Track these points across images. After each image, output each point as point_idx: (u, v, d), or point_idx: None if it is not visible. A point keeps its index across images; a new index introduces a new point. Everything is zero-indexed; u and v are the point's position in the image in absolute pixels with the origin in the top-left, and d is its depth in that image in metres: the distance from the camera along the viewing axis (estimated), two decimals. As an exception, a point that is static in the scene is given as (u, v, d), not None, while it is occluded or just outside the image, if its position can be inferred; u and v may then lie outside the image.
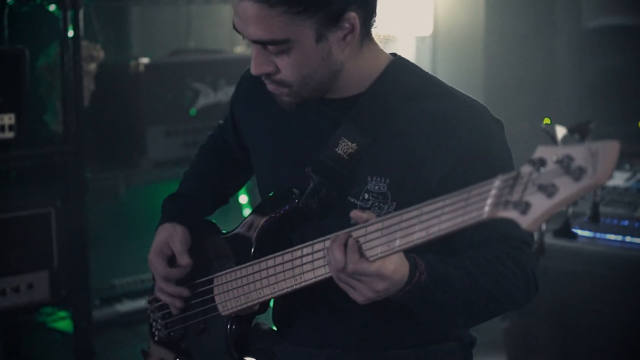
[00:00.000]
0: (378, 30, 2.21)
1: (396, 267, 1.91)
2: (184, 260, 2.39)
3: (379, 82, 2.18)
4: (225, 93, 4.00)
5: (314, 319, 2.27)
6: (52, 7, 3.67)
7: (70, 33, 3.63)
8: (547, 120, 4.53)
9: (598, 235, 3.70)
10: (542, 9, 4.78)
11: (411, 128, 2.12)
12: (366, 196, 2.12)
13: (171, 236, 2.43)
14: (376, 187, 2.12)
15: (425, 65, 5.04)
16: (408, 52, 5.01)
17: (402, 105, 2.15)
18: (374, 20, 2.16)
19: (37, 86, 3.80)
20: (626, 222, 3.71)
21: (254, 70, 2.10)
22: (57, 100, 3.76)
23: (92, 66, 3.86)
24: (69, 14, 3.61)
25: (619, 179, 3.96)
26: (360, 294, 1.93)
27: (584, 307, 3.72)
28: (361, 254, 1.91)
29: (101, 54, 3.90)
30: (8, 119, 3.43)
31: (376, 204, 2.10)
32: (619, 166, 3.93)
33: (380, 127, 2.14)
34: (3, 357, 3.81)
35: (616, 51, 4.45)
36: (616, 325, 3.66)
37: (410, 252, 1.96)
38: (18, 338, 3.81)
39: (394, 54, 2.25)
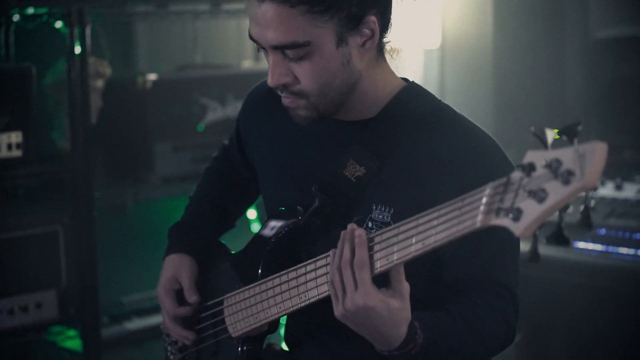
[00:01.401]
0: (389, 42, 2.19)
1: (395, 317, 1.88)
2: (192, 297, 2.40)
3: (390, 106, 2.16)
4: (233, 108, 3.99)
5: (325, 340, 2.25)
6: (58, 24, 3.66)
7: (77, 50, 3.61)
8: (556, 131, 4.50)
9: (610, 248, 3.67)
10: (550, 20, 4.76)
11: (419, 159, 2.10)
12: (370, 224, 2.10)
13: (179, 271, 2.43)
14: (380, 217, 2.10)
15: (433, 79, 5.06)
16: (416, 65, 4.99)
17: (412, 134, 2.13)
18: (388, 33, 2.14)
19: (44, 103, 3.78)
20: (638, 235, 3.69)
21: (272, 82, 2.07)
22: (64, 117, 3.74)
23: (100, 83, 3.85)
24: (76, 30, 3.60)
25: (630, 191, 3.93)
26: (347, 301, 1.88)
27: (597, 322, 3.70)
28: (370, 255, 1.88)
29: (108, 71, 3.89)
30: (15, 137, 3.42)
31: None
32: (629, 178, 3.94)
33: (389, 153, 2.12)
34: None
35: (625, 62, 4.43)
36: (630, 340, 3.63)
37: (415, 305, 1.94)
38: (27, 357, 3.79)
39: (406, 79, 2.23)
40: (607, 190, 3.96)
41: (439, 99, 2.23)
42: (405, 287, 1.89)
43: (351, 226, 1.92)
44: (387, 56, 2.19)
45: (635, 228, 3.72)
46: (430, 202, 2.01)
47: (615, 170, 4.13)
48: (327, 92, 2.08)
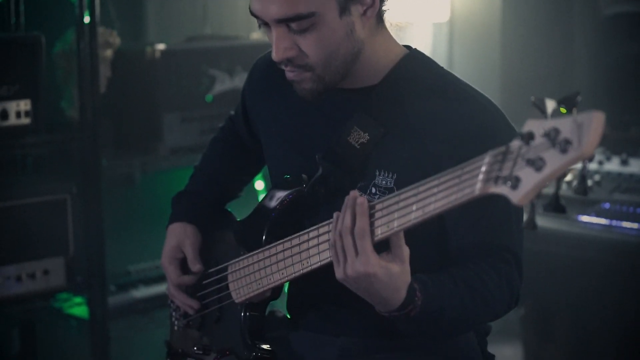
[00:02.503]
0: (395, 16, 2.21)
1: (395, 281, 1.91)
2: (196, 266, 2.42)
3: (393, 74, 2.18)
4: (242, 79, 3.97)
5: (327, 307, 2.27)
6: (68, -6, 3.67)
7: (87, 19, 3.62)
8: (562, 110, 4.50)
9: (614, 222, 3.68)
10: (559, -4, 4.76)
11: (422, 125, 2.12)
12: (373, 190, 2.12)
13: (182, 240, 2.45)
14: (383, 182, 2.12)
15: (441, 52, 5.06)
16: (424, 39, 4.99)
17: (416, 101, 2.14)
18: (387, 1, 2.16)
19: (53, 73, 3.80)
20: (643, 210, 3.71)
21: (276, 56, 2.08)
22: (73, 87, 3.76)
23: (109, 52, 3.86)
24: (85, 0, 3.61)
25: (636, 166, 3.94)
26: (348, 267, 1.91)
27: (600, 296, 3.71)
28: (370, 223, 1.90)
29: (117, 41, 3.90)
30: (24, 105, 3.44)
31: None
32: (635, 154, 3.95)
33: (393, 120, 2.14)
34: (19, 342, 3.82)
35: (634, 38, 4.42)
36: (632, 314, 3.65)
37: (419, 271, 1.96)
38: (34, 324, 3.82)
39: (408, 47, 2.25)
40: (612, 165, 3.96)
41: (441, 65, 2.25)
42: (405, 251, 1.91)
43: (354, 193, 1.94)
44: (387, 24, 2.20)
45: (639, 203, 3.73)
46: (433, 168, 2.03)
47: (622, 146, 4.13)
48: (332, 62, 2.09)
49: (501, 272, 2.07)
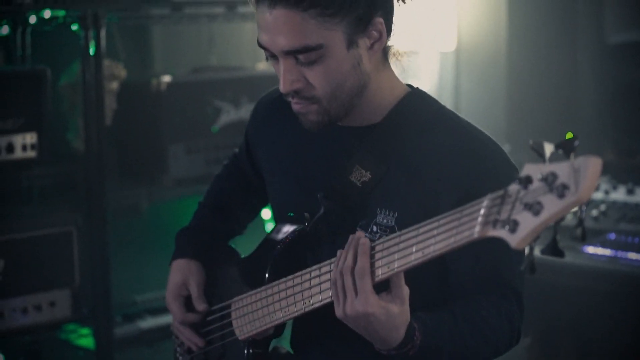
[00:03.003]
0: (401, 45, 2.22)
1: (394, 321, 1.91)
2: (201, 306, 2.42)
3: (395, 112, 2.19)
4: (247, 110, 3.99)
5: (331, 344, 2.27)
6: (74, 27, 3.69)
7: (92, 51, 3.64)
8: (569, 135, 4.50)
9: (619, 254, 3.67)
10: (564, 24, 4.77)
11: (423, 163, 2.12)
12: (374, 229, 2.13)
13: (187, 277, 2.45)
14: (384, 221, 2.12)
15: (448, 81, 5.07)
16: (432, 68, 5.00)
17: (417, 139, 2.15)
18: (392, 36, 2.16)
19: (59, 105, 3.81)
20: (649, 240, 3.70)
21: (284, 88, 2.09)
22: (79, 119, 3.77)
23: (114, 85, 3.88)
24: (91, 32, 3.63)
25: (642, 196, 3.94)
26: (347, 306, 1.92)
27: (607, 327, 3.70)
28: (371, 263, 1.91)
29: (123, 73, 3.92)
30: (30, 138, 3.45)
31: (383, 237, 2.10)
32: (640, 182, 3.95)
33: (394, 158, 2.15)
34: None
35: (638, 66, 4.42)
36: (638, 345, 3.64)
37: (419, 306, 1.97)
38: (40, 355, 3.83)
39: (410, 85, 2.26)
40: (618, 195, 3.96)
41: (443, 104, 2.26)
42: (405, 291, 1.92)
43: (359, 234, 1.95)
44: (392, 61, 2.21)
45: (646, 233, 3.73)
46: (434, 206, 2.04)
47: (628, 175, 4.13)
48: (338, 95, 2.10)
49: (502, 309, 2.08)
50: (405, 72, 2.25)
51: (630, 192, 3.96)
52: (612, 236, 3.76)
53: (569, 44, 4.72)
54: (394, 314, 1.90)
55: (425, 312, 2.00)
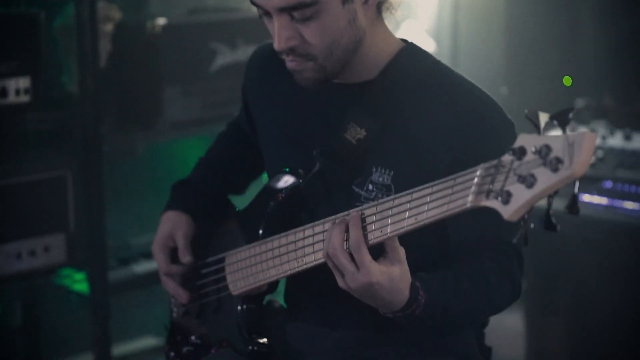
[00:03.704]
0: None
1: (397, 284, 1.91)
2: (186, 258, 2.41)
3: (389, 68, 2.16)
4: (243, 52, 3.96)
5: (325, 300, 2.27)
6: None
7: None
8: (567, 79, 4.49)
9: (616, 202, 3.66)
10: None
11: (418, 120, 2.10)
12: (370, 187, 2.12)
13: (175, 229, 2.44)
14: (380, 179, 2.11)
15: (446, 22, 5.02)
16: (429, 11, 4.95)
17: (412, 96, 2.13)
18: None
19: (53, 48, 3.77)
20: (646, 190, 3.69)
21: (280, 45, 2.06)
22: (74, 62, 3.73)
23: (109, 27, 3.83)
24: (85, -27, 3.59)
25: (639, 142, 3.91)
26: (348, 281, 1.91)
27: (601, 275, 3.72)
28: (364, 228, 1.91)
29: (117, 15, 3.87)
30: (23, 82, 3.42)
31: (379, 195, 2.09)
32: (638, 128, 3.92)
33: (389, 115, 2.13)
34: (21, 318, 3.83)
35: (639, 14, 4.39)
36: (632, 293, 3.65)
37: (417, 271, 1.96)
38: (36, 300, 3.84)
39: (404, 40, 2.23)
40: (615, 140, 3.94)
41: (438, 59, 2.23)
42: (402, 252, 1.91)
43: (342, 217, 1.95)
44: (386, 15, 2.18)
45: (642, 181, 3.72)
46: (431, 165, 2.03)
47: (626, 120, 4.11)
48: (334, 51, 2.08)
49: (502, 265, 2.08)
50: (402, 12, 2.22)
51: (627, 137, 3.93)
52: (609, 184, 3.75)
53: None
54: (396, 277, 1.90)
55: (427, 272, 2.00)
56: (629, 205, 3.64)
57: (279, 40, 2.05)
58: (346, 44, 2.08)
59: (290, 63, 2.11)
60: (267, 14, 2.06)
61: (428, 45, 4.73)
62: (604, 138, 3.95)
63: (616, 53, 4.47)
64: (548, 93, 4.56)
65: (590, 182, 3.76)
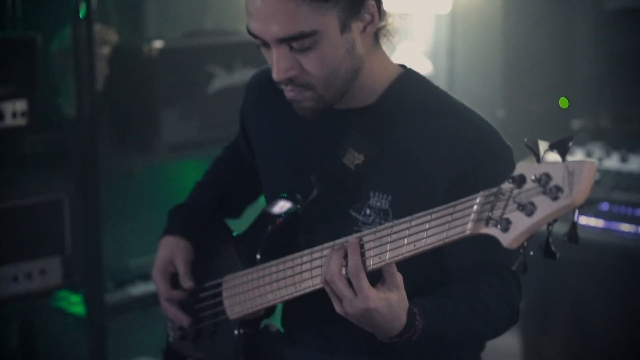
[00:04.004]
0: (397, 7, 2.20)
1: (395, 310, 1.91)
2: (187, 283, 2.41)
3: (388, 94, 2.16)
4: (240, 75, 3.97)
5: (322, 325, 2.27)
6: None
7: (83, 15, 3.60)
8: (563, 100, 4.50)
9: (612, 225, 3.67)
10: (561, -11, 4.74)
11: (417, 145, 2.11)
12: (368, 212, 2.12)
13: (175, 255, 2.44)
14: (378, 204, 2.11)
15: (443, 44, 5.03)
16: (426, 33, 4.97)
17: (410, 121, 2.13)
18: (383, 18, 2.14)
19: (50, 71, 3.78)
20: (640, 212, 3.69)
21: (279, 76, 2.05)
22: (71, 85, 3.74)
23: (106, 49, 3.84)
24: (82, -5, 3.59)
25: (635, 164, 3.92)
26: (346, 307, 1.91)
27: (598, 297, 3.72)
28: (362, 254, 1.91)
29: (114, 37, 3.88)
30: (20, 105, 3.42)
31: (377, 220, 2.09)
32: (635, 150, 3.93)
33: (387, 141, 2.13)
34: (18, 340, 3.83)
35: (635, 33, 4.40)
36: (628, 316, 3.65)
37: (415, 297, 1.97)
38: (32, 322, 3.83)
39: (403, 66, 2.23)
40: (612, 162, 3.95)
41: (436, 85, 2.24)
42: (399, 278, 1.91)
43: (341, 245, 1.95)
44: (383, 41, 2.19)
45: (638, 203, 3.71)
46: (429, 191, 2.03)
47: (622, 141, 4.12)
48: (333, 80, 2.08)
49: (500, 291, 2.08)
50: (399, 35, 2.23)
51: (624, 159, 3.94)
52: (605, 206, 3.75)
53: (566, 8, 4.69)
54: (394, 304, 1.90)
55: (424, 297, 2.00)
56: (625, 227, 3.64)
57: (278, 70, 2.05)
58: (345, 72, 2.08)
59: (289, 93, 2.10)
60: (265, 44, 2.06)
61: (425, 66, 4.75)
62: (600, 160, 3.96)
63: (612, 73, 4.47)
64: (545, 115, 4.57)
65: (587, 204, 3.75)
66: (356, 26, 2.06)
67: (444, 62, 5.00)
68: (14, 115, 3.41)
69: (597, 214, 3.73)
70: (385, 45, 2.20)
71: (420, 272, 2.03)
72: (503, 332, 2.14)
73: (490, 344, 2.36)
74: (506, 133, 2.16)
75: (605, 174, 3.89)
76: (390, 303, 1.89)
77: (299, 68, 2.05)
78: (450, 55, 5.03)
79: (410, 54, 4.73)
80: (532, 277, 3.63)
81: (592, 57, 4.59)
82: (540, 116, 4.58)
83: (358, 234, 1.93)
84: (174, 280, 2.45)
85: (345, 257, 1.91)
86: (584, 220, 3.73)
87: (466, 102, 2.19)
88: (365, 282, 1.88)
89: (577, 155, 3.98)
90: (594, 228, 3.69)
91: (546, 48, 4.71)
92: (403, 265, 1.91)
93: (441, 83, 2.26)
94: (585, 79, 4.60)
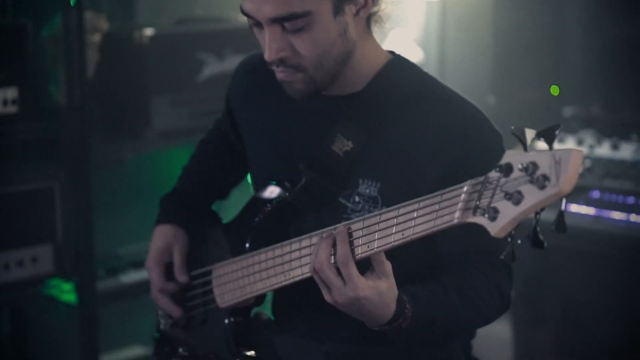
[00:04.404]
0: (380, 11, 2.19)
1: (384, 298, 1.91)
2: (183, 277, 2.41)
3: (377, 80, 2.16)
4: (231, 62, 3.96)
5: (312, 313, 2.27)
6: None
7: (73, 2, 3.58)
8: (555, 88, 4.50)
9: (603, 213, 3.67)
10: (552, -24, 4.73)
11: (406, 132, 2.10)
12: (357, 199, 2.11)
13: (171, 244, 2.44)
14: (367, 191, 2.11)
15: (434, 31, 5.03)
16: (417, 20, 4.96)
17: (399, 107, 2.13)
18: (376, 3, 2.14)
19: (41, 58, 3.76)
20: (632, 199, 3.68)
21: (270, 56, 2.05)
22: (61, 72, 3.73)
23: (96, 37, 3.83)
24: (72, -18, 3.58)
25: (626, 151, 3.92)
26: (335, 295, 1.92)
27: (589, 285, 3.72)
28: (351, 243, 1.91)
29: (105, 25, 3.87)
30: (11, 93, 3.41)
31: (366, 207, 2.09)
32: (626, 137, 3.94)
33: (376, 127, 2.13)
34: (9, 328, 3.82)
35: (627, 21, 4.39)
36: (619, 305, 3.66)
37: (405, 284, 1.97)
38: (24, 310, 3.83)
39: (392, 52, 2.23)
40: (603, 150, 3.95)
41: (425, 71, 2.23)
42: (388, 266, 1.91)
43: (329, 233, 1.94)
44: (375, 28, 2.18)
45: (629, 191, 3.72)
46: (418, 179, 2.03)
47: (613, 129, 4.12)
48: (324, 63, 2.08)
49: (491, 277, 2.08)
50: (390, 22, 2.23)
51: (615, 147, 3.94)
52: (596, 194, 3.75)
53: (557, -4, 4.69)
54: (383, 291, 1.90)
55: (414, 285, 2.00)
56: (616, 215, 3.65)
57: (270, 51, 2.05)
58: (336, 55, 2.08)
59: (280, 74, 2.11)
60: (258, 24, 2.06)
61: (415, 54, 4.74)
62: (591, 147, 3.96)
63: (604, 61, 4.47)
64: (535, 102, 4.57)
65: (578, 192, 3.76)
66: (349, 9, 2.06)
67: (434, 49, 4.99)
68: (5, 103, 3.40)
69: (589, 202, 3.74)
70: (376, 33, 2.20)
71: (411, 260, 2.03)
72: (494, 319, 2.14)
73: (481, 335, 2.37)
74: (497, 120, 2.16)
75: (596, 161, 3.89)
76: (380, 291, 1.89)
77: (290, 49, 2.05)
78: (441, 42, 5.02)
79: (401, 41, 4.72)
80: (523, 266, 3.65)
81: (584, 44, 4.59)
82: (531, 104, 4.57)
83: (346, 222, 1.93)
84: (168, 269, 2.45)
85: (334, 245, 1.91)
86: (575, 208, 3.73)
87: (457, 89, 2.19)
88: (354, 271, 1.88)
89: (568, 143, 3.98)
90: (585, 216, 3.70)
91: (538, 35, 4.71)
92: (393, 253, 1.91)
93: (432, 70, 2.26)
94: (577, 67, 4.60)
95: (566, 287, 3.81)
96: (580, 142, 3.98)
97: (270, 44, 2.05)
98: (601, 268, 3.66)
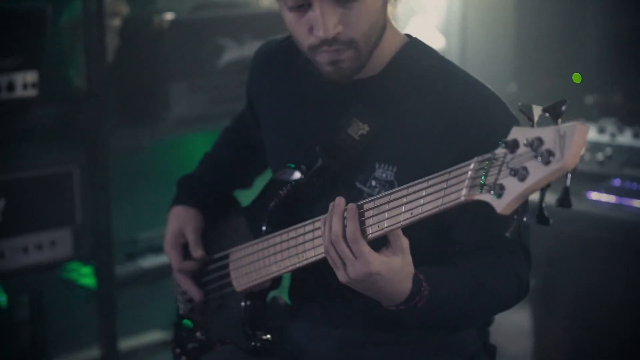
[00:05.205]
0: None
1: (399, 275, 1.89)
2: (197, 252, 2.41)
3: (393, 63, 2.15)
4: (250, 48, 3.94)
5: (327, 299, 2.27)
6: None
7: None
8: (577, 76, 4.47)
9: (624, 201, 3.64)
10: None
11: (422, 116, 2.09)
12: (373, 183, 2.10)
13: (184, 224, 2.44)
14: (383, 175, 2.10)
15: (455, 20, 5.01)
16: (439, 7, 4.94)
17: (415, 90, 2.12)
18: None
19: (61, 42, 3.77)
20: (654, 188, 3.66)
21: (327, 33, 2.00)
22: (81, 57, 3.73)
23: (116, 21, 3.83)
24: (93, -33, 3.58)
25: (648, 139, 3.90)
26: (349, 271, 1.90)
27: (609, 273, 3.69)
28: (362, 223, 1.90)
29: (125, 9, 3.87)
30: (31, 76, 3.42)
31: (382, 191, 2.07)
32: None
33: (392, 111, 2.12)
34: (28, 312, 3.84)
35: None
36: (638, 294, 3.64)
37: (423, 264, 1.95)
38: (42, 294, 3.84)
39: (408, 35, 2.22)
40: (624, 138, 3.91)
41: (442, 55, 2.22)
42: (405, 242, 1.90)
43: (338, 200, 1.93)
44: (389, 8, 2.17)
45: (651, 179, 3.70)
46: (434, 160, 2.01)
47: (635, 117, 4.10)
48: (372, 36, 2.06)
49: (508, 262, 2.06)
50: (412, 9, 2.22)
51: (636, 135, 3.91)
52: (617, 182, 3.73)
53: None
54: (398, 268, 1.88)
55: (430, 266, 1.99)
56: (638, 203, 3.61)
57: (326, 26, 2.01)
58: (380, 29, 2.09)
59: (329, 54, 2.06)
60: (301, 6, 2.02)
61: (437, 40, 4.72)
62: (613, 135, 3.92)
63: (626, 50, 4.44)
64: (557, 90, 4.54)
65: (599, 180, 3.74)
66: None
67: (456, 36, 4.98)
68: (25, 86, 3.41)
69: (609, 190, 3.70)
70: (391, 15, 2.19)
71: (422, 247, 2.01)
72: (512, 304, 2.12)
73: (499, 322, 2.35)
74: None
75: (617, 149, 3.86)
76: (393, 267, 1.88)
77: (344, 23, 2.02)
78: (462, 29, 5.01)
79: (423, 28, 4.71)
80: (542, 255, 3.64)
81: (605, 32, 4.56)
82: (553, 91, 4.55)
83: (357, 203, 1.92)
84: (185, 251, 2.45)
85: (342, 224, 1.90)
86: (595, 195, 3.70)
87: (478, 76, 2.17)
88: (364, 247, 1.87)
89: (590, 133, 3.95)
90: (605, 204, 3.66)
91: (559, 23, 4.68)
92: (408, 238, 1.90)
93: (453, 57, 2.24)
94: (599, 55, 4.57)
95: (586, 276, 3.78)
96: (601, 131, 3.95)
97: (326, 19, 2.00)
98: (622, 256, 3.64)
